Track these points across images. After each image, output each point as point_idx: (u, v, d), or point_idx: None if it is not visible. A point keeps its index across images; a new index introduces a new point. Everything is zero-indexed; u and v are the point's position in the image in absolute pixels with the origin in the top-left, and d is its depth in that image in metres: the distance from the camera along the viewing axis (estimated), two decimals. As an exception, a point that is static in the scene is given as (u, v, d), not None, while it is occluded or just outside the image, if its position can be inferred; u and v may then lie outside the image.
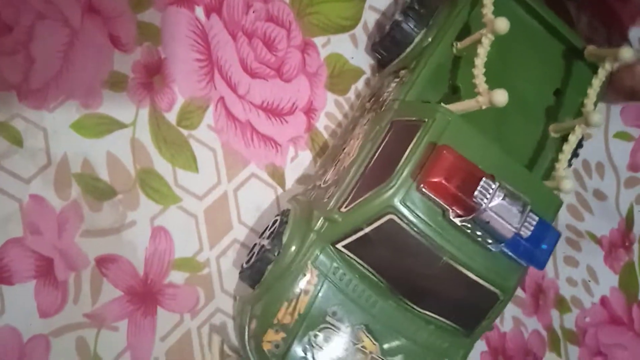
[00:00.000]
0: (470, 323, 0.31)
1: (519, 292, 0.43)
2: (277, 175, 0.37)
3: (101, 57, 0.34)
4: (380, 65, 0.39)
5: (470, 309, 0.31)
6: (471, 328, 0.31)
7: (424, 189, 0.27)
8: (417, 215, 0.28)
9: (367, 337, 0.30)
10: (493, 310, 0.31)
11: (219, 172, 0.36)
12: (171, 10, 0.35)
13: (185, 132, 0.35)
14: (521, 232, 0.27)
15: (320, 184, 0.34)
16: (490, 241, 0.28)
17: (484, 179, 0.27)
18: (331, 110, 0.39)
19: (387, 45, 0.37)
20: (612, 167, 0.46)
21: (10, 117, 0.32)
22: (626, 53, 0.32)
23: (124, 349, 0.33)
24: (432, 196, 0.27)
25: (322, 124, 0.39)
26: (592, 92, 0.33)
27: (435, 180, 0.27)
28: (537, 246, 0.28)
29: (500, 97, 0.27)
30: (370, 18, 0.40)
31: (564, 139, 0.33)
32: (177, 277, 0.35)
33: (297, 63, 0.38)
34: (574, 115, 0.35)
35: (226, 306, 0.36)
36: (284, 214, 0.33)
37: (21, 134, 0.32)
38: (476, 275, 0.29)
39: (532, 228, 0.28)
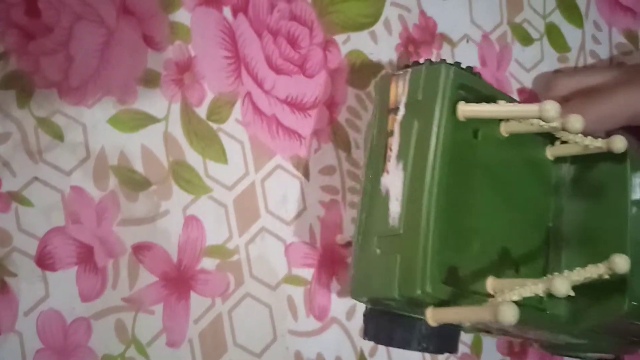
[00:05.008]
0: None
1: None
2: (302, 166, 0.39)
3: (135, 55, 0.36)
4: None
5: None
6: None
7: None
8: None
9: None
10: None
11: (246, 163, 0.38)
12: (200, 11, 0.37)
13: (214, 125, 0.37)
14: None
15: None
16: None
17: None
18: (352, 104, 0.41)
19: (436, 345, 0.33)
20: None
21: (51, 113, 0.34)
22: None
23: (160, 331, 0.35)
24: None
25: (343, 117, 0.41)
26: None
27: None
28: None
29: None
30: (391, 14, 0.42)
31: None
32: (208, 263, 0.37)
33: (319, 59, 0.40)
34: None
35: (255, 291, 0.37)
36: None
37: (62, 129, 0.34)
38: None
39: None
